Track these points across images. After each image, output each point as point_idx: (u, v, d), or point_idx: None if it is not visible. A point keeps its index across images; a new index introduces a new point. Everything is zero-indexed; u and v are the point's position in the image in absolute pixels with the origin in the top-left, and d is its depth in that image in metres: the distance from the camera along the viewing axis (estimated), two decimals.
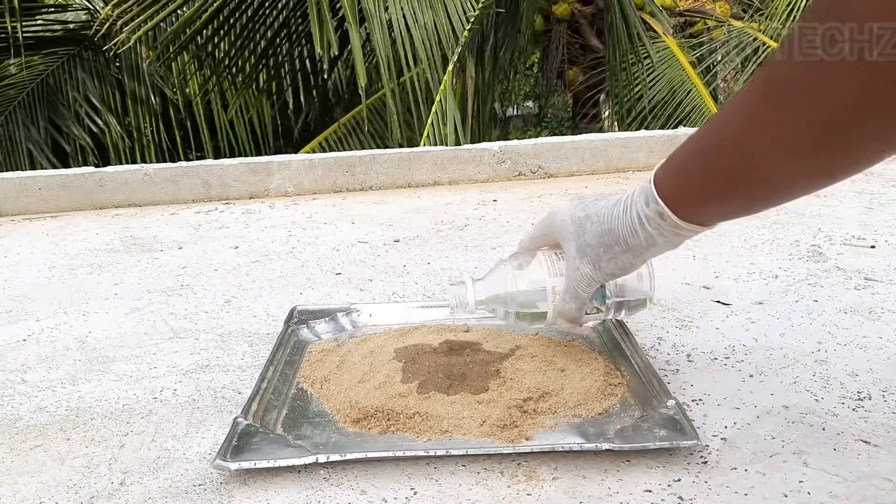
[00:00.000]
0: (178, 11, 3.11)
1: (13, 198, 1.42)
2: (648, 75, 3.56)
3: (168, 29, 3.16)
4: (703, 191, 0.51)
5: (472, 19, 2.90)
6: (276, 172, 1.47)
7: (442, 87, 2.82)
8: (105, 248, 1.16)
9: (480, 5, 2.94)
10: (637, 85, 3.57)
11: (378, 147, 3.68)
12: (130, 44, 3.02)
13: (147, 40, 3.30)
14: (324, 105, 4.04)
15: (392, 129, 3.02)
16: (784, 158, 0.44)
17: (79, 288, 0.98)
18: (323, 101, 4.02)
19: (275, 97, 3.89)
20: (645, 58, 3.54)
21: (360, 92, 2.94)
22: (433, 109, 2.79)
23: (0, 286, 1.00)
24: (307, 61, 3.80)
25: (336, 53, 2.96)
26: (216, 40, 3.34)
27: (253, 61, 3.57)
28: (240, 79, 3.63)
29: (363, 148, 3.46)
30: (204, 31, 3.26)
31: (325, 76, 3.91)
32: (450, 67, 2.85)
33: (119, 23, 2.94)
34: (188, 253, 1.11)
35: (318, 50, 2.77)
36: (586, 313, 0.62)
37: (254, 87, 3.73)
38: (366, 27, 2.92)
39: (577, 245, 0.59)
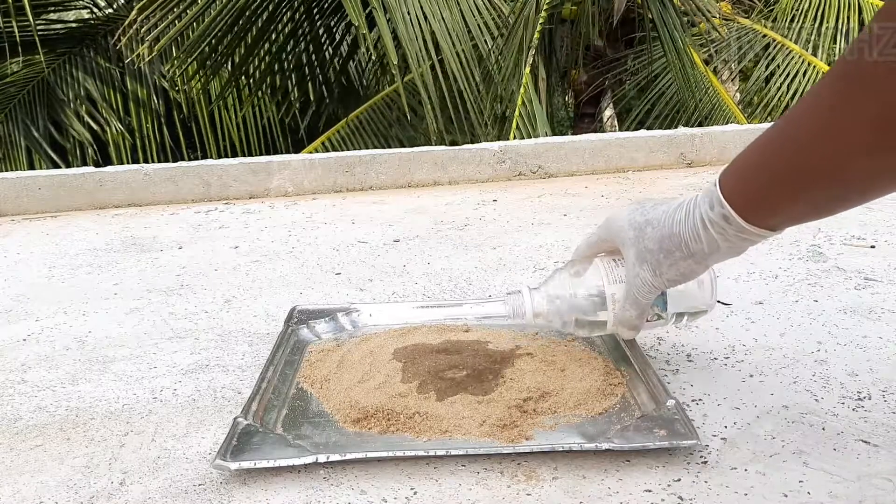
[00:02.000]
0: (184, 15, 3.10)
1: (13, 198, 1.42)
2: (665, 74, 3.50)
3: (186, 36, 3.15)
4: (772, 192, 0.49)
5: (541, 20, 2.87)
6: (276, 172, 1.47)
7: (522, 90, 2.79)
8: (105, 248, 1.16)
9: (546, 6, 2.92)
10: (658, 83, 3.51)
11: (381, 147, 3.68)
12: (152, 56, 3.03)
13: (153, 47, 3.30)
14: (326, 104, 4.03)
15: (427, 118, 2.98)
16: (861, 157, 0.43)
17: (79, 288, 0.98)
18: (325, 100, 4.02)
19: (279, 96, 3.89)
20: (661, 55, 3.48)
21: (393, 70, 2.92)
22: (517, 112, 2.75)
23: (0, 286, 1.00)
24: (326, 50, 3.80)
25: (345, 53, 2.94)
26: (221, 49, 3.34)
27: (263, 67, 3.57)
28: (251, 83, 3.64)
29: (366, 148, 3.46)
30: (222, 40, 3.25)
31: (338, 71, 3.91)
32: (526, 70, 2.80)
33: (142, 30, 2.93)
34: (188, 253, 1.11)
35: (353, 22, 2.73)
36: (647, 320, 0.61)
37: (262, 90, 3.73)
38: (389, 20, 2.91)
39: (637, 251, 0.57)
